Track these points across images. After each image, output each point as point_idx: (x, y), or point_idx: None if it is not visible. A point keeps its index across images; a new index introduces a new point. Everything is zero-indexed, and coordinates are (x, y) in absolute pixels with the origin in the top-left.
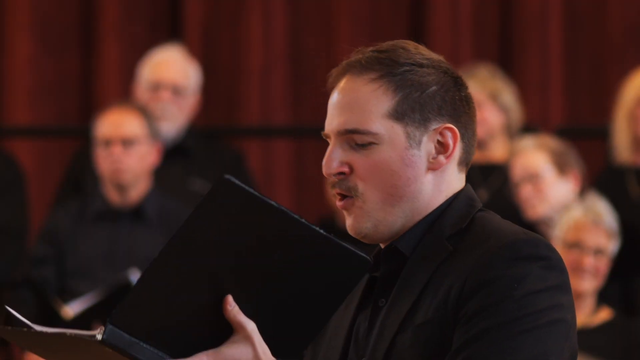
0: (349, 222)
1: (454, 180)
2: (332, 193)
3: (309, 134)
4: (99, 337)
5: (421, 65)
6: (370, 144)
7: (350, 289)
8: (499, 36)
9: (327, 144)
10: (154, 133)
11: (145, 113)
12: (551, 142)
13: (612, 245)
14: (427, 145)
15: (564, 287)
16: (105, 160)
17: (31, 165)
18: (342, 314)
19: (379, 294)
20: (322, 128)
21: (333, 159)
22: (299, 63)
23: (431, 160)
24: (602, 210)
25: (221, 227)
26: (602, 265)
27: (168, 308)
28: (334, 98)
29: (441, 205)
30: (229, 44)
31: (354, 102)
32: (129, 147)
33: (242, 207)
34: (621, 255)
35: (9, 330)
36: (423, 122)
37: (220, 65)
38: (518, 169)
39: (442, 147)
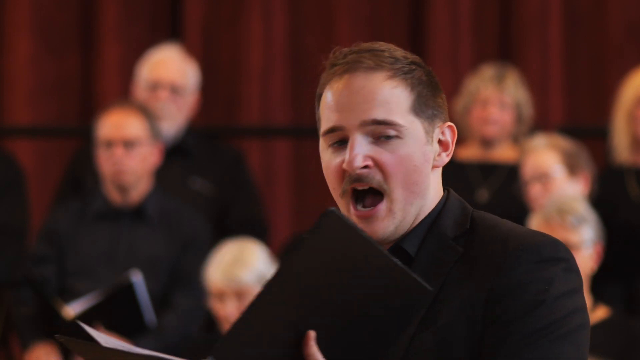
0: (371, 226)
1: (440, 178)
2: (346, 189)
3: (309, 134)
4: None
5: (419, 65)
6: (396, 137)
7: (412, 318)
8: (499, 36)
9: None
10: (155, 133)
11: (147, 113)
12: (563, 142)
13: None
14: (434, 142)
15: (581, 289)
16: (107, 162)
17: (31, 165)
18: None
19: None
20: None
21: (358, 153)
22: (299, 63)
23: (436, 157)
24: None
25: (322, 262)
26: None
27: (261, 342)
28: (344, 94)
29: (437, 204)
30: (229, 44)
31: (377, 96)
32: (130, 148)
33: (344, 241)
34: (622, 255)
35: (79, 343)
36: (432, 120)
37: (220, 65)
38: (528, 168)
39: (441, 145)
